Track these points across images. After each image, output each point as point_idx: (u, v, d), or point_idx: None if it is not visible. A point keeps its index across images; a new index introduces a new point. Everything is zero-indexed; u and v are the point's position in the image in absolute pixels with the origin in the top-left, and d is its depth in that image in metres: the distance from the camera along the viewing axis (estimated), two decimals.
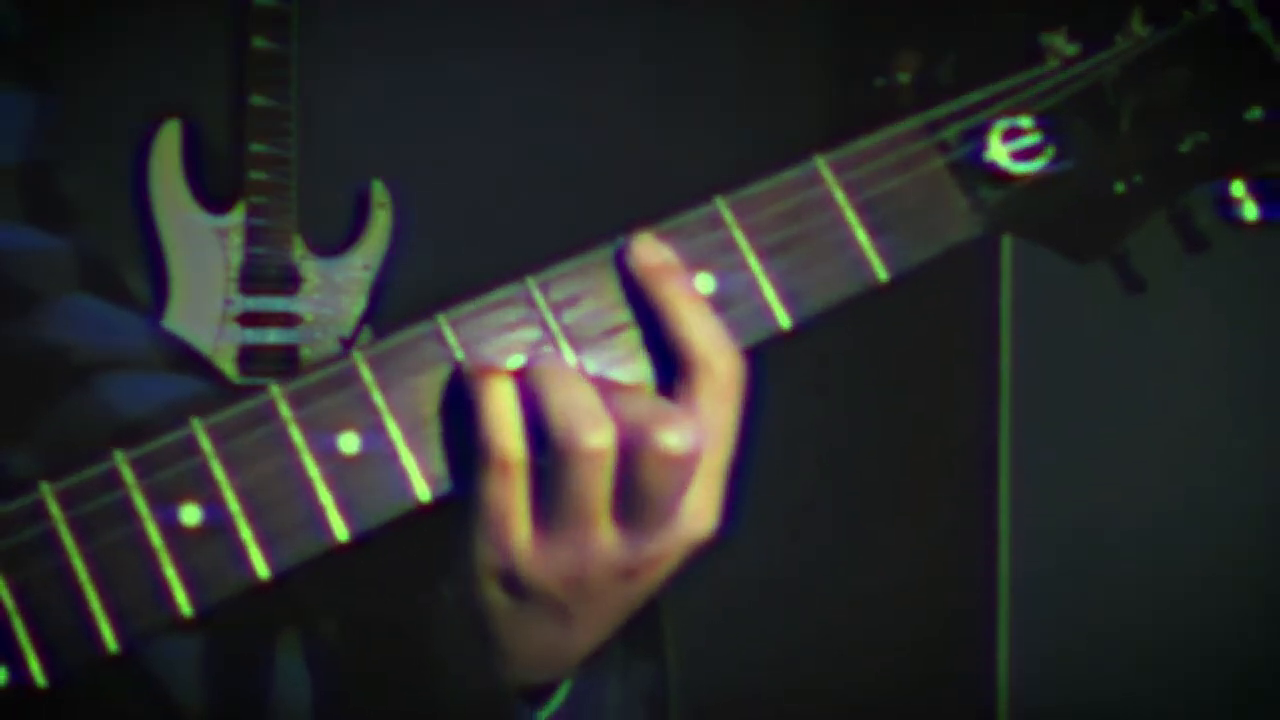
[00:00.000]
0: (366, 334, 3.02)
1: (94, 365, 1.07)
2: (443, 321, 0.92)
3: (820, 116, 3.38)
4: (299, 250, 3.00)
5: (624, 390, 0.91)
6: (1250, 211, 1.00)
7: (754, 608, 3.30)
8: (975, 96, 0.97)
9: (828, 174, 0.96)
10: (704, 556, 0.95)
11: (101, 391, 1.06)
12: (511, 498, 0.90)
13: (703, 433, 0.90)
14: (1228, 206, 1.00)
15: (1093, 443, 3.29)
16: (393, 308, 3.04)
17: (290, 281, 2.99)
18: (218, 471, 0.89)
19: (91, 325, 1.10)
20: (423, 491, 0.91)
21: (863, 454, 3.43)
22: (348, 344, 3.00)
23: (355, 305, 3.02)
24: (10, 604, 0.86)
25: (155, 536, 0.88)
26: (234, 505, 0.89)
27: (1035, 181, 0.97)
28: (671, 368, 0.92)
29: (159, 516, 0.88)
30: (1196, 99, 0.98)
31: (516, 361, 0.92)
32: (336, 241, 3.04)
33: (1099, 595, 3.26)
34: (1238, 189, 0.99)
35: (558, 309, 0.93)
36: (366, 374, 0.91)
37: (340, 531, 0.90)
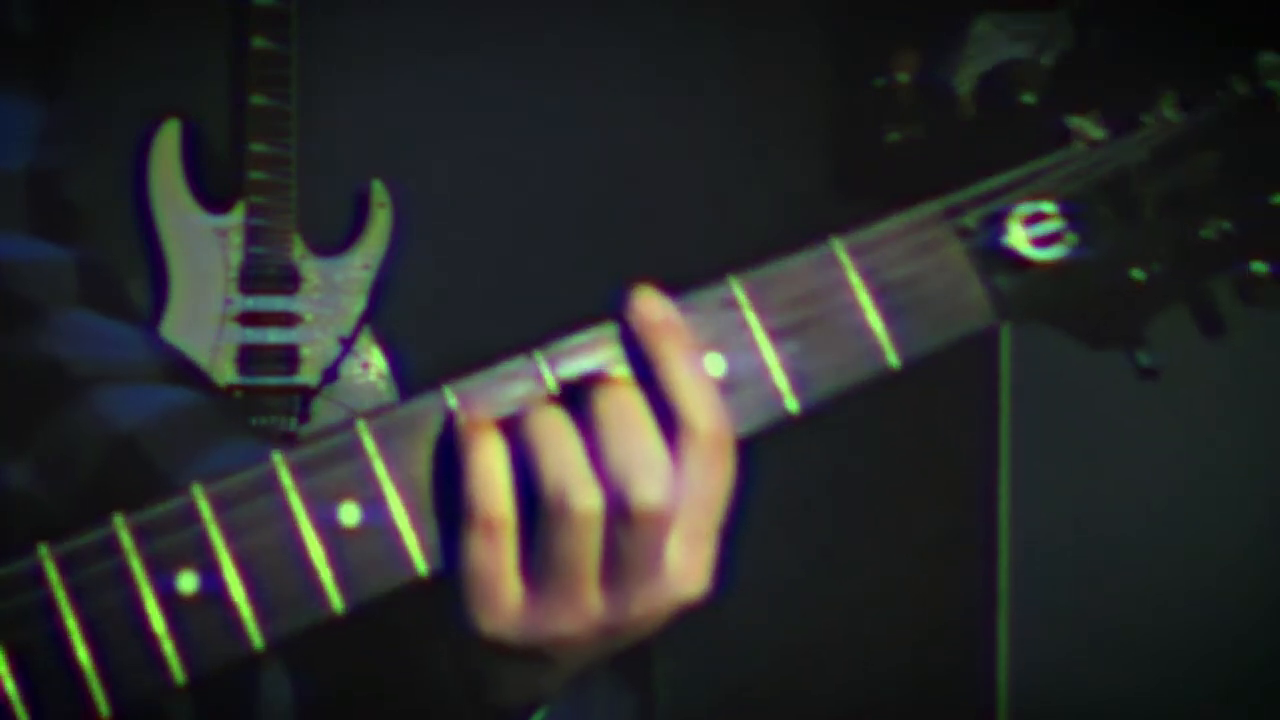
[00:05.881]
0: (365, 334, 3.02)
1: (90, 378, 1.07)
2: (449, 394, 0.90)
3: (821, 117, 3.38)
4: (299, 250, 3.00)
5: (608, 442, 0.89)
6: (1272, 292, 0.97)
7: (754, 607, 3.29)
8: (997, 181, 0.95)
9: (844, 257, 0.94)
10: (697, 612, 0.94)
11: (97, 403, 1.06)
12: (499, 560, 0.89)
13: (679, 485, 0.89)
14: (1249, 289, 0.97)
15: (1092, 443, 3.29)
16: (392, 308, 3.04)
17: (290, 281, 2.99)
18: (216, 540, 0.88)
19: (89, 340, 1.10)
20: (421, 565, 0.90)
21: (863, 454, 3.43)
22: (347, 343, 3.00)
23: (355, 305, 3.01)
24: (4, 667, 0.87)
25: (151, 603, 0.87)
26: (231, 574, 0.88)
27: (1054, 268, 0.95)
28: (668, 432, 0.90)
29: (156, 583, 0.87)
30: (1223, 185, 0.96)
31: (507, 413, 0.90)
32: (336, 241, 3.05)
33: (1099, 595, 3.25)
34: (1260, 269, 0.97)
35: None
36: (370, 445, 0.90)
37: (337, 604, 0.89)
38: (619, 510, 0.88)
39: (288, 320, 2.99)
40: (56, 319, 1.10)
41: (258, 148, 2.95)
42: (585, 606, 0.91)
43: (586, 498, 0.88)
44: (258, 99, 2.95)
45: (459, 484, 0.89)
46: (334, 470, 0.89)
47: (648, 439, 0.89)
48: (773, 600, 3.33)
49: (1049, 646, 3.37)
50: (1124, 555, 3.20)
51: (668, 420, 0.90)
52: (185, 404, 1.08)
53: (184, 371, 1.12)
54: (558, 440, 0.89)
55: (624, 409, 0.89)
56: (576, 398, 0.90)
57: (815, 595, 3.38)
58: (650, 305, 0.92)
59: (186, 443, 1.04)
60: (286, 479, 0.89)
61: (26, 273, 1.12)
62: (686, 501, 0.90)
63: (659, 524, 0.89)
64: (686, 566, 0.91)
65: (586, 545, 0.89)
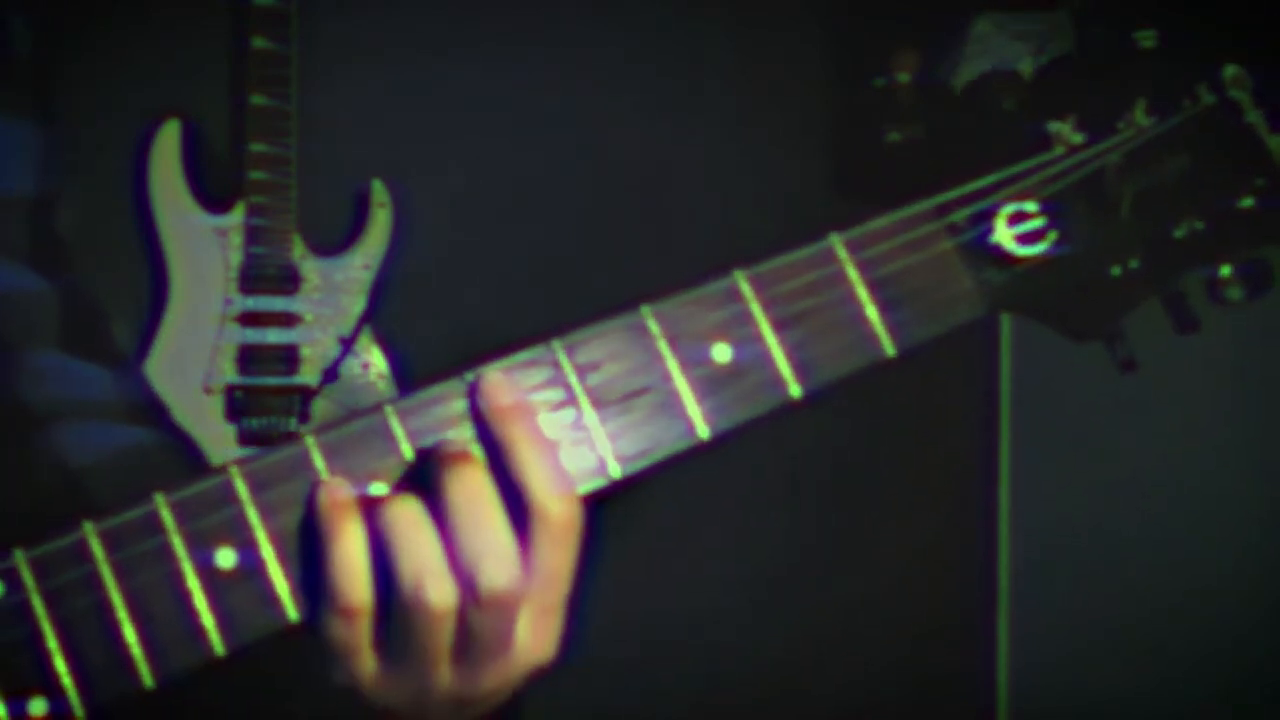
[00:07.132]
0: (365, 334, 3.02)
1: (52, 415, 1.12)
2: (470, 379, 0.96)
3: (821, 117, 3.38)
4: (299, 250, 3.00)
5: (459, 530, 0.93)
6: (1235, 293, 1.04)
7: (754, 607, 3.30)
8: (985, 181, 1.01)
9: (842, 252, 0.99)
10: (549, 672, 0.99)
11: (55, 440, 1.11)
12: (356, 638, 0.94)
13: (529, 565, 0.94)
14: (1216, 289, 1.04)
15: (1092, 443, 3.29)
16: (392, 308, 3.04)
17: (290, 281, 2.99)
18: (253, 518, 0.93)
19: (57, 381, 1.14)
20: None
21: (863, 454, 3.43)
22: (347, 343, 3.00)
23: (355, 305, 3.01)
24: (52, 640, 0.91)
25: (192, 579, 0.93)
26: (268, 550, 0.93)
27: (1038, 264, 1.01)
28: (519, 512, 0.95)
29: (196, 559, 0.92)
30: (1193, 187, 1.02)
31: (381, 489, 0.95)
32: (336, 241, 3.05)
33: (1099, 595, 3.26)
34: (1225, 272, 1.03)
35: (582, 372, 0.97)
36: (398, 429, 0.95)
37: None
38: (471, 595, 0.93)
39: (288, 320, 2.99)
40: (30, 357, 1.15)
41: (258, 148, 2.95)
42: (437, 681, 0.96)
43: (440, 591, 0.93)
44: (258, 99, 2.95)
45: (320, 566, 0.93)
46: (363, 454, 0.95)
47: (495, 526, 0.93)
48: (773, 599, 3.33)
49: (1049, 646, 3.37)
50: (1124, 555, 3.20)
51: (518, 501, 0.94)
52: (133, 445, 1.12)
53: (147, 412, 1.17)
54: (413, 532, 0.93)
55: (473, 495, 0.94)
56: (429, 478, 0.94)
57: (815, 594, 3.38)
58: (498, 390, 0.96)
59: (128, 482, 1.08)
60: (320, 461, 0.94)
61: (7, 305, 1.15)
62: (536, 579, 0.95)
63: (507, 606, 0.94)
64: (535, 639, 0.97)
65: (441, 634, 0.94)
